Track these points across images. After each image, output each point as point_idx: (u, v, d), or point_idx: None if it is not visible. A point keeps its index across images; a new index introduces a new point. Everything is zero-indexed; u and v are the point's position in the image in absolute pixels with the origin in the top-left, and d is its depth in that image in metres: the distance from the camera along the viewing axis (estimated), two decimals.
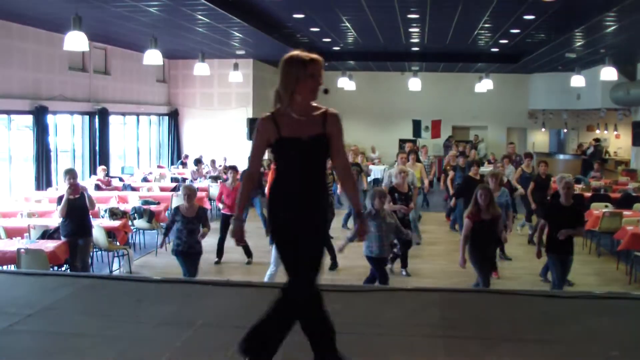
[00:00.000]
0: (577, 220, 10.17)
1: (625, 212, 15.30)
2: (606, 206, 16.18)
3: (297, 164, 4.69)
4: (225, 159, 24.52)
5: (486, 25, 18.57)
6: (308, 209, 4.70)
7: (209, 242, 12.27)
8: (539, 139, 35.63)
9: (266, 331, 4.73)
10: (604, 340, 5.64)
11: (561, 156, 32.61)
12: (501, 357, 5.21)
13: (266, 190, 5.56)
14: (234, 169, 14.83)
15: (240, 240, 4.88)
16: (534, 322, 6.19)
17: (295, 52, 4.70)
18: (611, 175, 27.53)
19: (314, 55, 4.66)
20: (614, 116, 30.35)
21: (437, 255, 15.10)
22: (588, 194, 18.05)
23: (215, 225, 14.06)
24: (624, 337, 5.75)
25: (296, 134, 4.61)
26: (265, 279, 11.02)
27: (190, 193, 10.96)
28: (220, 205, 14.53)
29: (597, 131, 34.57)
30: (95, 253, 13.23)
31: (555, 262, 10.17)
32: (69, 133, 20.60)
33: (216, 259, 14.01)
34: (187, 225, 10.73)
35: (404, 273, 13.08)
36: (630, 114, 27.85)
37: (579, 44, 20.14)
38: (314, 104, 4.73)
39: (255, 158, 4.91)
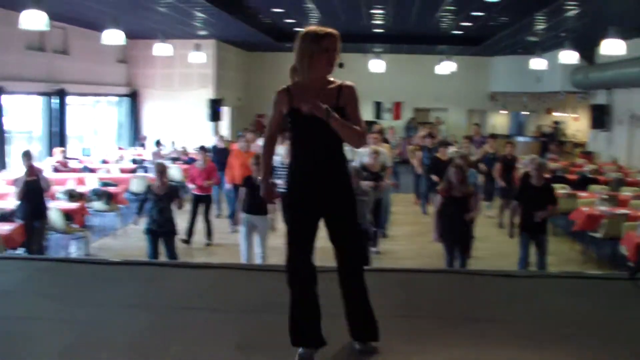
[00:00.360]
0: (549, 200, 10.37)
1: (581, 194, 15.54)
2: (563, 188, 16.35)
3: (309, 135, 4.68)
4: (184, 142, 24.31)
5: (449, 7, 18.62)
6: (326, 179, 4.70)
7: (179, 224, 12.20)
8: (499, 121, 35.88)
9: (296, 314, 4.69)
10: (559, 318, 5.71)
11: (521, 138, 32.82)
12: (461, 336, 5.23)
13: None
14: (203, 149, 14.85)
15: (271, 197, 4.89)
16: (492, 301, 6.25)
17: (312, 27, 4.77)
18: (569, 157, 27.83)
19: (330, 30, 4.69)
20: (573, 99, 30.63)
21: (405, 236, 15.19)
22: (546, 176, 18.20)
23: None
24: (579, 315, 5.82)
25: None
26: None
27: (162, 170, 10.95)
28: (191, 186, 14.47)
29: (557, 114, 34.88)
30: (52, 235, 13.08)
31: (527, 243, 10.44)
32: (26, 114, 20.30)
33: (184, 238, 13.90)
34: (158, 204, 10.73)
35: (373, 250, 13.11)
36: (588, 97, 28.15)
37: (540, 27, 20.28)
38: (330, 78, 4.74)
39: (270, 126, 4.90)
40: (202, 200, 14.30)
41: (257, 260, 11.26)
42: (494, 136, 18.45)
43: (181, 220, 12.78)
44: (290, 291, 4.68)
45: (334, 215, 4.72)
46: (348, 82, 4.76)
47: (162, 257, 10.96)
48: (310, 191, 4.68)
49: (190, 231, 14.10)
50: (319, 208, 4.69)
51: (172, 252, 10.99)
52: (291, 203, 4.75)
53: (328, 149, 4.68)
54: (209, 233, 14.31)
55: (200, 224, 14.22)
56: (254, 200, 10.86)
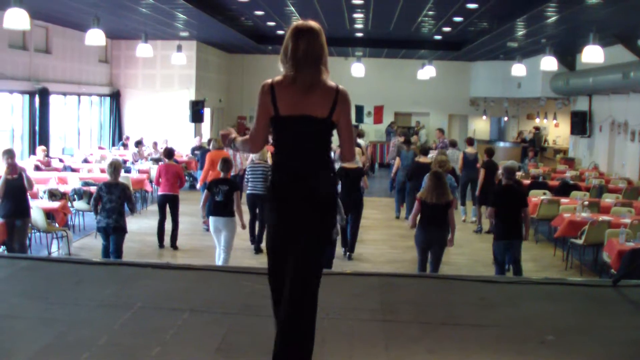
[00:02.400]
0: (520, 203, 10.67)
1: (563, 200, 15.63)
2: (544, 193, 16.48)
3: (292, 142, 4.36)
4: (166, 141, 24.31)
5: (430, 12, 18.71)
6: (308, 192, 4.32)
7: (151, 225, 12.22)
8: (480, 127, 36.03)
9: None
10: (540, 324, 5.77)
11: (501, 143, 33.05)
12: (439, 341, 5.28)
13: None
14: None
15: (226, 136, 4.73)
16: (471, 306, 6.29)
17: (299, 22, 4.37)
18: (550, 163, 28.03)
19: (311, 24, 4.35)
20: (553, 105, 30.81)
21: (378, 240, 15.25)
22: (527, 182, 18.37)
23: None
24: (560, 321, 5.88)
25: (296, 112, 4.28)
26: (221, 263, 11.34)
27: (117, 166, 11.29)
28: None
29: (537, 120, 35.11)
30: (33, 234, 13.06)
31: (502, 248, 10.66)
32: (8, 112, 20.21)
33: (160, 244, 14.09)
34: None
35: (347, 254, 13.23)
36: (569, 103, 28.32)
37: (520, 33, 20.40)
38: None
39: (257, 132, 4.48)
40: (168, 201, 14.23)
41: (218, 263, 11.39)
42: (470, 140, 18.56)
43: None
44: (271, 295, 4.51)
45: (305, 233, 4.33)
46: (342, 87, 4.38)
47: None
48: (288, 207, 4.36)
49: (161, 234, 14.16)
50: (295, 223, 4.35)
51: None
52: (269, 214, 4.47)
53: (314, 158, 4.37)
54: (173, 235, 14.12)
55: (168, 225, 14.19)
56: (217, 202, 11.07)
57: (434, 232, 10.25)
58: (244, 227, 11.56)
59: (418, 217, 10.32)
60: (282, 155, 4.40)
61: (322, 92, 4.30)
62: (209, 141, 17.79)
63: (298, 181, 4.33)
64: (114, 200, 10.93)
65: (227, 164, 11.64)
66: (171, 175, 14.02)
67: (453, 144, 19.75)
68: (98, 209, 11.09)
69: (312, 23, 4.35)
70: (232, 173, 13.09)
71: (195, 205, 16.86)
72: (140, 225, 16.05)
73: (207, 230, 13.32)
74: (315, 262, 4.36)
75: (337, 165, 13.67)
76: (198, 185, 15.43)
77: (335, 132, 4.44)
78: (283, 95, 4.29)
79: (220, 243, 11.40)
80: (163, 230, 14.12)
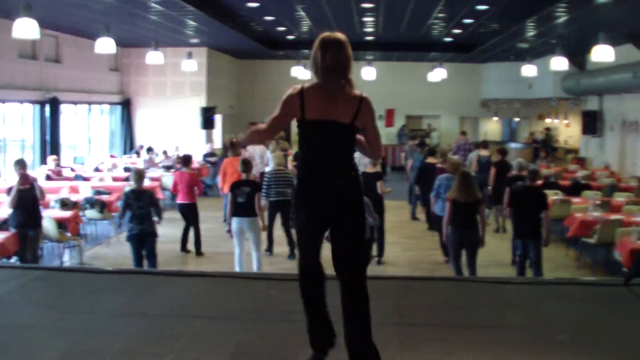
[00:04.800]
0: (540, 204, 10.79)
1: (574, 200, 15.56)
2: (556, 194, 16.40)
3: (319, 145, 4.64)
4: (177, 148, 24.36)
5: (440, 15, 18.68)
6: (336, 192, 4.59)
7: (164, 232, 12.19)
8: (492, 128, 35.96)
9: (308, 319, 4.72)
10: (553, 325, 5.73)
11: (513, 145, 32.93)
12: (454, 343, 5.26)
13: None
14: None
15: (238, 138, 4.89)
16: (485, 308, 6.27)
17: (326, 33, 4.67)
18: (561, 163, 27.91)
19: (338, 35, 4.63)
20: (564, 105, 30.70)
21: (394, 243, 15.20)
22: (539, 182, 18.27)
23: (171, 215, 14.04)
24: (573, 321, 5.86)
25: (323, 117, 4.57)
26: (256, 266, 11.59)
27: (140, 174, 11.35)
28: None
29: (548, 120, 34.97)
30: (45, 244, 13.07)
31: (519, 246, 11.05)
32: (18, 122, 20.28)
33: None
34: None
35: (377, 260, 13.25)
36: (580, 103, 28.23)
37: (530, 34, 20.35)
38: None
39: (272, 125, 4.74)
40: (185, 209, 14.22)
41: (254, 264, 11.48)
42: (485, 143, 18.59)
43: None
44: (302, 295, 4.72)
45: (341, 228, 4.63)
46: (365, 95, 4.67)
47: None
48: (319, 204, 4.61)
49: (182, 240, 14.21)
50: (327, 220, 4.65)
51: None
52: (299, 213, 4.72)
53: (339, 159, 4.63)
54: (196, 243, 14.14)
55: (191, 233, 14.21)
56: (239, 204, 11.15)
57: (467, 231, 10.38)
58: (264, 228, 11.60)
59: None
60: (311, 157, 4.68)
61: (346, 100, 4.59)
62: (227, 148, 17.71)
63: (327, 180, 4.58)
64: (143, 206, 10.90)
65: (247, 165, 11.73)
66: (185, 184, 13.99)
67: (480, 145, 19.65)
68: (125, 215, 11.10)
69: (339, 35, 4.62)
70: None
71: (208, 212, 16.92)
72: None
73: (230, 234, 12.98)
74: (360, 250, 4.68)
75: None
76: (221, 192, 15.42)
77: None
78: (311, 101, 4.57)
79: (243, 246, 11.49)
80: (185, 237, 14.19)
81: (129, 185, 15.89)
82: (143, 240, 10.94)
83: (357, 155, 4.84)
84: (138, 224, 10.88)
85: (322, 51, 4.55)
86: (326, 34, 4.62)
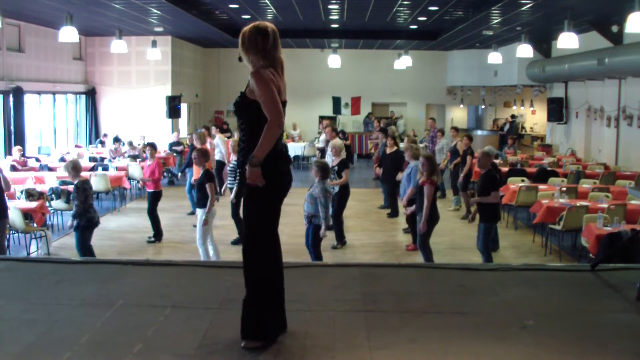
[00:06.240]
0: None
1: (541, 187, 15.72)
2: (522, 180, 16.57)
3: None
4: (143, 137, 24.22)
5: (405, 2, 18.72)
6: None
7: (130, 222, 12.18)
8: (458, 115, 36.15)
9: (256, 307, 4.83)
10: (520, 310, 5.78)
11: (479, 132, 33.18)
12: (421, 329, 5.28)
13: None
14: (152, 146, 14.78)
15: (255, 181, 4.63)
16: (452, 294, 6.29)
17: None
18: (527, 150, 28.17)
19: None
20: (529, 92, 30.97)
21: (359, 231, 15.26)
22: (505, 169, 18.46)
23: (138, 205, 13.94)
24: (540, 307, 5.90)
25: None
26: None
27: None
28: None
29: (514, 107, 35.25)
30: (11, 235, 12.95)
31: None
32: None
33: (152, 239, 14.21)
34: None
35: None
36: (545, 90, 28.50)
37: (495, 21, 20.47)
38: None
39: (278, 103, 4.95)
40: (151, 196, 14.32)
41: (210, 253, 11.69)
42: (456, 129, 18.89)
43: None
44: (248, 284, 4.85)
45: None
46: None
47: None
48: (288, 176, 4.97)
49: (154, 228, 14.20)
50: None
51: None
52: (275, 189, 4.83)
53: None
54: (157, 232, 14.25)
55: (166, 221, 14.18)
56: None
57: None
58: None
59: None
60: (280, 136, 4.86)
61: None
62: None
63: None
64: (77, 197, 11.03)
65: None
66: (153, 169, 14.11)
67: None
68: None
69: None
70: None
71: (173, 201, 16.93)
72: (120, 223, 15.98)
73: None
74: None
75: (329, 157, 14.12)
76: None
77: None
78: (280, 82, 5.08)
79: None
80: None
81: (94, 175, 15.90)
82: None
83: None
84: (95, 211, 11.18)
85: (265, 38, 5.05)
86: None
